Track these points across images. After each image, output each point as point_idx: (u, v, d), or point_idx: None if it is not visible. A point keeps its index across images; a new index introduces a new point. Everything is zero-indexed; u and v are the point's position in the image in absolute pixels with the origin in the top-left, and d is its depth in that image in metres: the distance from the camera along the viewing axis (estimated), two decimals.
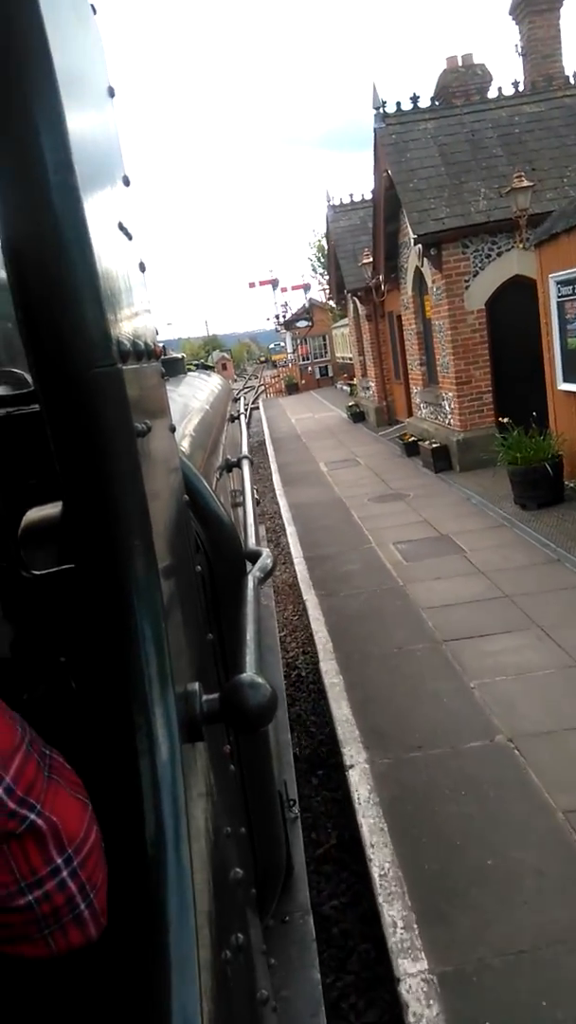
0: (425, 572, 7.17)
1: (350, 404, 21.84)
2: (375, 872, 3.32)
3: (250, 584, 1.66)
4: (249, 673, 1.08)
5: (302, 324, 43.51)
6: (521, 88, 12.49)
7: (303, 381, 40.49)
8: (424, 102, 12.56)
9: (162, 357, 1.36)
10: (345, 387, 31.11)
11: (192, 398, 3.28)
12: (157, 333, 1.23)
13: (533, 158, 11.24)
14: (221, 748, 1.35)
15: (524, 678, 4.80)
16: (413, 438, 13.61)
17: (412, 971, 2.75)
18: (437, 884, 3.20)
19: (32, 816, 0.69)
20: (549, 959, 2.72)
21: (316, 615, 6.49)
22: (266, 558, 1.88)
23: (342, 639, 5.92)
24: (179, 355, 4.80)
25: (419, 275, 12.97)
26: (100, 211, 0.79)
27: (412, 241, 11.16)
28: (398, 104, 12.36)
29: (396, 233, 14.00)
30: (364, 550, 8.22)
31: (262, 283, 51.97)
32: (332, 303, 34.87)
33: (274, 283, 50.90)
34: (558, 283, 8.54)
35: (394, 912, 3.08)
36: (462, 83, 13.07)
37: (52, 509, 1.04)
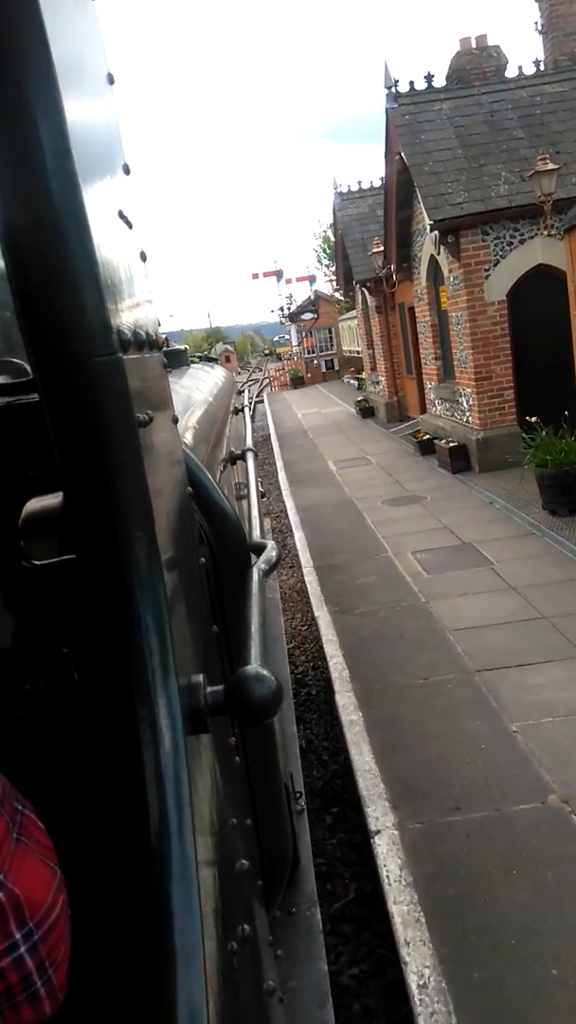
0: (449, 586, 6.57)
1: (358, 399, 21.20)
2: (412, 981, 2.73)
3: (255, 576, 1.64)
4: (254, 665, 1.08)
5: (307, 316, 42.84)
6: (542, 68, 11.81)
7: (308, 375, 39.83)
8: (438, 83, 11.89)
9: (165, 349, 1.34)
10: (352, 381, 30.48)
11: (195, 390, 3.20)
12: (159, 324, 1.16)
13: (557, 140, 10.57)
14: (226, 740, 1.33)
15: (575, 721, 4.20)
16: (428, 436, 12.99)
17: None
18: (491, 1003, 2.61)
19: None
20: None
21: (330, 635, 5.89)
22: (271, 550, 1.85)
23: (360, 665, 5.32)
24: (182, 347, 4.61)
25: (434, 264, 12.32)
26: (99, 199, 0.77)
27: (428, 228, 10.52)
28: (411, 83, 11.70)
29: (409, 220, 13.34)
30: (380, 559, 7.62)
31: (266, 274, 51.29)
32: (339, 295, 34.20)
33: (278, 274, 50.21)
34: None
35: None
36: (476, 66, 12.36)
37: (52, 499, 1.02)
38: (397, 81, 11.59)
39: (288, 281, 49.88)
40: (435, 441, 12.20)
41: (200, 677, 0.97)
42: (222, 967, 0.82)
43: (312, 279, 46.21)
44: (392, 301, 17.54)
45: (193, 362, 5.01)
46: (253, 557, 1.82)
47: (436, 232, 10.40)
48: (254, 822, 1.61)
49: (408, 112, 11.46)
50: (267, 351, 75.34)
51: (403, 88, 11.66)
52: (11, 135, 0.69)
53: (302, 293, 47.64)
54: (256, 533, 2.60)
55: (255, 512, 2.98)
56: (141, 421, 0.84)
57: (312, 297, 44.12)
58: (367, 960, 3.33)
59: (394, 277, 14.25)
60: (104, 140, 0.84)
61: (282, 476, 13.14)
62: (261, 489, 3.60)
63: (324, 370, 40.21)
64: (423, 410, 15.31)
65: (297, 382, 38.75)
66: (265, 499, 7.70)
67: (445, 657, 5.22)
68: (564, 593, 5.99)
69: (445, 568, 7.05)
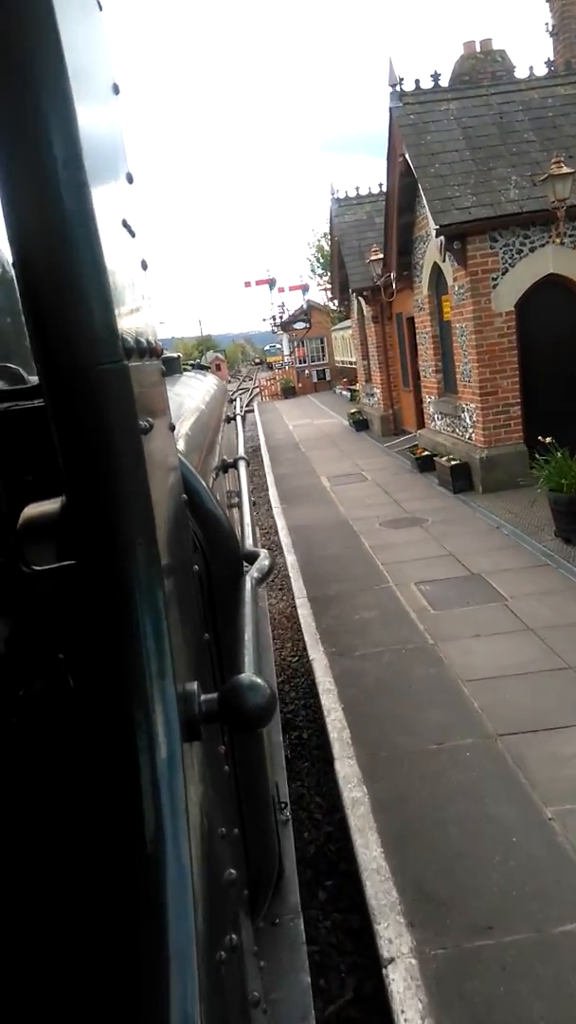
0: (459, 625, 5.89)
1: (352, 411, 20.57)
2: None
3: (248, 585, 1.63)
4: (248, 673, 1.08)
5: (300, 326, 42.29)
6: (553, 69, 11.26)
7: (300, 385, 39.24)
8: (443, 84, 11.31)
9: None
10: (345, 392, 29.89)
11: (188, 398, 3.17)
12: (157, 331, 1.13)
13: (569, 144, 9.99)
14: (216, 748, 1.32)
15: None
16: (426, 452, 12.35)
17: None
18: None
19: None
20: None
21: (327, 683, 5.20)
22: (264, 559, 1.85)
23: (362, 723, 4.62)
24: (175, 354, 4.59)
25: (437, 272, 11.71)
26: (107, 208, 0.77)
27: (433, 233, 9.90)
28: (417, 82, 11.11)
29: (411, 226, 12.74)
30: (380, 590, 6.94)
31: (258, 283, 50.69)
32: (333, 304, 33.66)
33: (271, 283, 49.63)
34: None
35: None
36: (480, 70, 11.84)
37: (51, 505, 1.01)
38: (402, 79, 11.00)
39: (281, 290, 49.27)
40: (435, 458, 11.56)
41: (194, 685, 0.97)
42: (210, 976, 0.81)
43: (305, 288, 45.66)
44: (390, 311, 16.94)
45: (186, 370, 4.94)
46: (246, 565, 1.80)
47: (442, 238, 9.79)
48: (241, 831, 1.58)
49: (413, 112, 10.87)
50: (257, 360, 74.80)
51: (408, 87, 11.06)
52: (25, 144, 0.70)
53: (294, 302, 47.13)
54: (249, 542, 2.67)
55: (247, 521, 3.05)
56: (143, 428, 0.84)
57: (305, 306, 43.57)
58: None
59: (394, 285, 13.63)
60: (110, 150, 0.85)
61: (273, 492, 12.46)
62: (252, 498, 3.69)
63: (315, 380, 39.65)
64: (421, 425, 14.68)
65: (288, 392, 38.14)
66: (255, 506, 7.00)
67: (460, 716, 4.53)
68: None
69: (453, 603, 6.38)
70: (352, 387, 27.73)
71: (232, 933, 1.06)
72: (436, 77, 11.07)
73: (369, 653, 5.60)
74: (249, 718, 0.96)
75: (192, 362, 6.78)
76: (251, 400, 35.73)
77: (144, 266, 1.01)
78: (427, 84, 11.12)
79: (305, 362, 41.30)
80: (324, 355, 40.96)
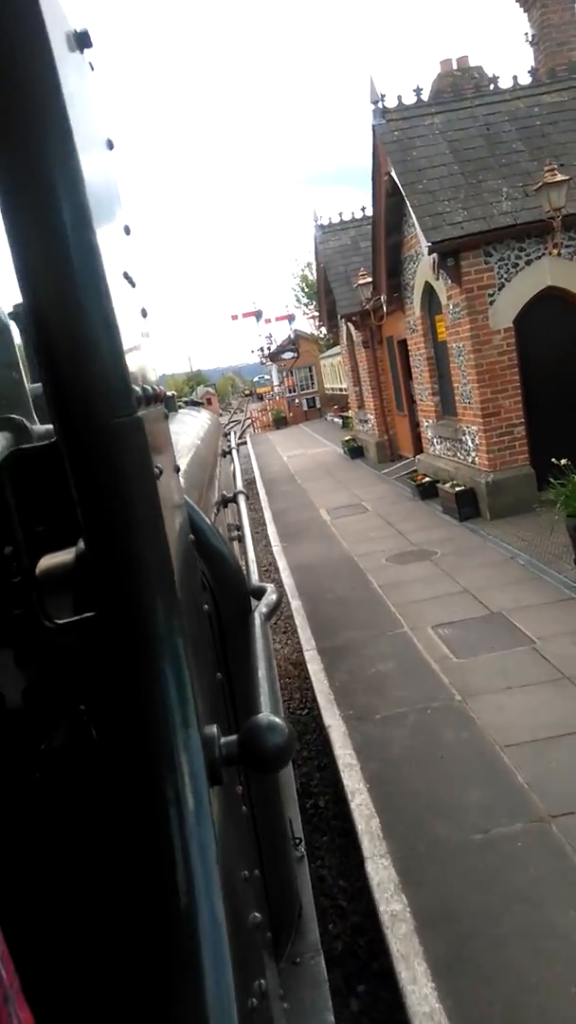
0: (486, 676, 5.28)
1: (346, 439, 20.08)
2: None
3: (257, 621, 1.63)
4: (266, 714, 1.07)
5: (288, 356, 42.10)
6: (536, 78, 10.93)
7: (291, 414, 38.87)
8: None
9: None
10: (336, 419, 29.48)
11: (185, 435, 3.15)
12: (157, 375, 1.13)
13: (560, 152, 9.59)
14: (235, 789, 1.28)
15: None
16: (428, 479, 11.81)
17: None
18: None
19: None
20: None
21: (347, 757, 4.56)
22: (271, 594, 1.82)
23: (393, 808, 3.99)
24: (170, 392, 4.65)
25: (429, 292, 11.27)
26: (112, 264, 0.79)
27: (425, 250, 9.44)
28: (399, 98, 10.75)
29: (399, 247, 12.33)
30: (395, 636, 6.33)
31: (245, 315, 50.63)
32: (321, 331, 33.41)
33: (257, 315, 49.57)
34: None
35: None
36: (459, 87, 11.52)
37: (65, 556, 1.00)
38: (383, 95, 10.64)
39: (267, 321, 49.15)
40: (438, 485, 11.01)
41: (214, 728, 0.96)
42: None
43: (291, 318, 45.58)
44: (380, 335, 16.53)
45: (180, 407, 4.90)
46: (253, 601, 1.78)
47: (434, 255, 9.33)
48: (261, 872, 1.53)
49: (397, 128, 10.49)
50: (247, 391, 74.72)
51: (389, 104, 10.70)
52: (36, 206, 0.71)
53: (281, 333, 47.00)
54: (254, 576, 2.67)
55: (251, 555, 3.10)
56: (156, 474, 0.85)
57: (292, 336, 43.46)
58: None
59: (384, 308, 13.19)
60: (110, 204, 0.85)
61: (271, 529, 11.87)
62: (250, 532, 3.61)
63: (306, 409, 39.31)
64: (418, 450, 14.17)
65: (280, 422, 37.75)
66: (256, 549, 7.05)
67: (504, 793, 3.90)
68: None
69: (476, 648, 5.77)
70: (344, 414, 27.32)
71: (260, 978, 1.05)
72: (418, 92, 10.72)
73: (391, 715, 4.97)
74: (270, 759, 0.96)
75: (186, 399, 6.73)
76: (243, 432, 35.28)
77: (144, 314, 1.01)
78: (409, 100, 10.76)
79: (295, 391, 41.02)
80: (313, 383, 40.71)
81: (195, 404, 6.54)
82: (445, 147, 10.19)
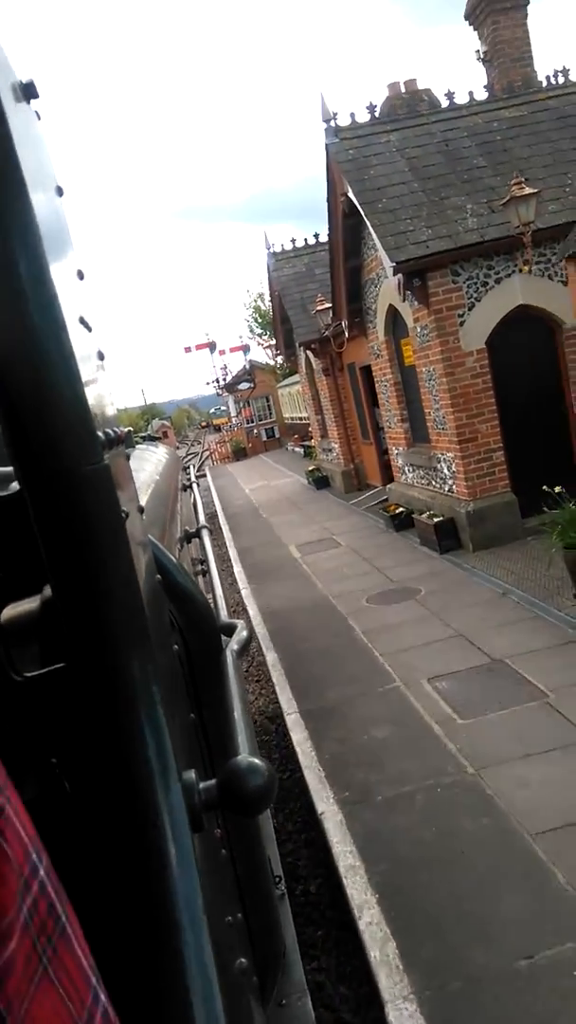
0: (499, 741, 4.62)
1: (310, 468, 19.52)
2: None
3: (229, 659, 1.61)
4: (244, 755, 1.04)
5: (244, 386, 41.67)
6: (491, 95, 10.64)
7: (250, 445, 38.32)
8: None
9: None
10: (297, 449, 28.98)
11: (144, 471, 3.02)
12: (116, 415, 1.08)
13: (524, 167, 9.22)
14: (214, 833, 1.25)
15: None
16: (402, 509, 11.24)
17: None
18: None
19: None
20: None
21: (349, 857, 3.84)
22: (241, 630, 1.81)
23: (412, 928, 3.28)
24: (127, 428, 3.31)
25: (393, 315, 10.79)
26: (69, 311, 0.78)
27: (389, 272, 8.94)
28: (352, 115, 10.35)
29: (358, 270, 11.88)
30: (387, 693, 5.65)
31: (198, 347, 50.13)
32: (277, 360, 33.04)
33: (211, 346, 49.12)
34: None
35: None
36: (411, 109, 11.20)
37: (29, 605, 0.93)
38: (335, 114, 10.22)
39: (222, 352, 48.69)
40: (413, 515, 10.43)
41: (192, 774, 0.92)
42: None
43: (246, 349, 45.23)
44: (340, 362, 16.06)
45: (137, 443, 4.74)
46: (223, 639, 1.73)
47: (399, 276, 8.84)
48: (244, 915, 1.49)
49: (352, 147, 10.06)
50: (204, 423, 74.14)
51: (342, 122, 10.28)
52: None
53: (237, 363, 46.66)
54: (223, 613, 2.86)
55: (218, 591, 3.27)
56: (123, 519, 0.84)
57: (247, 367, 43.10)
58: None
59: (345, 334, 12.70)
60: (64, 251, 0.83)
61: (238, 568, 11.15)
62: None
63: (265, 439, 38.83)
64: (388, 479, 13.64)
65: (240, 454, 37.15)
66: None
67: (545, 900, 3.22)
68: None
69: (482, 706, 5.11)
70: (304, 443, 26.83)
71: None
72: (372, 108, 10.33)
73: (395, 797, 4.27)
74: (252, 802, 0.94)
75: (143, 435, 6.54)
76: (202, 464, 34.58)
77: (101, 356, 1.00)
78: (362, 118, 10.36)
79: (253, 421, 40.54)
80: (271, 413, 40.29)
81: (152, 439, 6.28)
82: (403, 164, 9.78)
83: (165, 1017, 0.75)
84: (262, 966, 1.65)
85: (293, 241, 18.36)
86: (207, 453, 41.36)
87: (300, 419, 30.72)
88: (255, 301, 45.07)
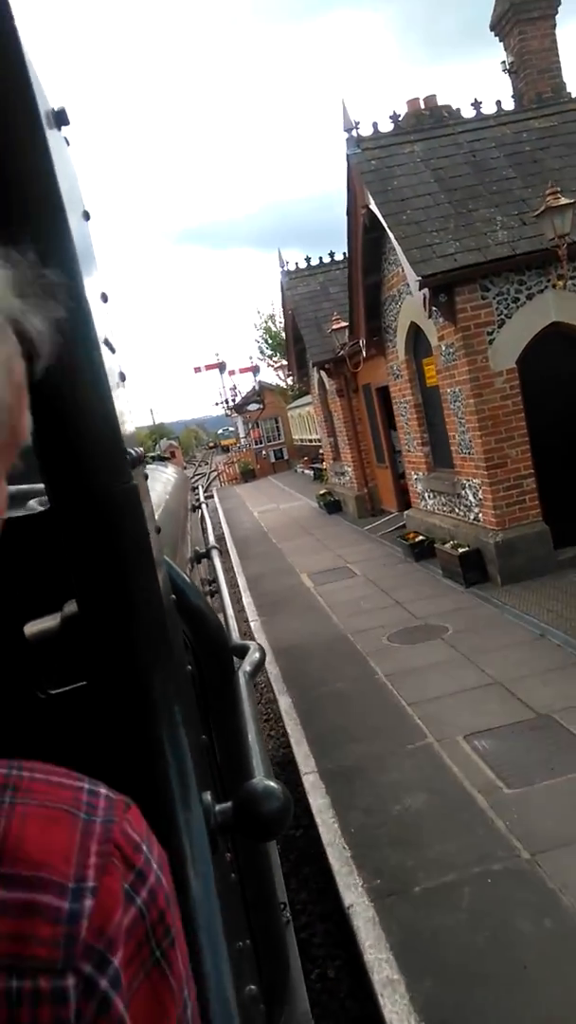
0: (556, 817, 3.97)
1: (321, 492, 18.93)
2: None
3: (242, 681, 1.61)
4: (259, 778, 1.04)
5: (253, 407, 41.32)
6: (519, 106, 10.18)
7: (258, 466, 37.83)
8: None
9: None
10: (307, 471, 28.44)
11: (155, 491, 2.76)
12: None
13: (556, 178, 8.68)
14: (225, 857, 1.23)
15: None
16: (421, 537, 10.62)
17: None
18: None
19: None
20: None
21: (386, 969, 3.17)
22: (254, 651, 1.79)
23: None
24: (142, 449, 3.03)
25: (415, 333, 10.27)
26: (100, 333, 0.80)
27: (415, 286, 8.41)
28: (375, 125, 9.89)
29: (378, 287, 11.38)
30: (418, 752, 5.00)
31: (208, 367, 49.99)
32: (287, 382, 32.66)
33: (221, 367, 48.96)
34: None
35: None
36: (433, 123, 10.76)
37: (50, 622, 0.92)
38: (358, 123, 9.76)
39: (231, 373, 48.50)
40: (436, 545, 9.81)
41: (208, 796, 0.92)
42: None
43: (256, 370, 44.98)
44: (355, 382, 15.53)
45: (147, 462, 3.62)
46: (236, 660, 1.73)
47: (425, 291, 8.30)
48: (252, 941, 1.47)
49: (374, 157, 9.59)
50: (212, 444, 73.82)
51: (365, 132, 9.83)
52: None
53: (246, 384, 46.32)
54: (234, 634, 2.86)
55: (229, 612, 3.38)
56: (151, 539, 0.84)
57: (257, 387, 42.79)
58: None
59: (363, 353, 12.17)
60: (93, 275, 0.83)
61: (247, 599, 10.52)
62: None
63: (274, 460, 38.35)
64: (404, 504, 13.06)
65: (248, 475, 36.65)
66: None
67: None
68: None
69: (531, 772, 4.47)
70: (315, 465, 26.29)
71: None
72: (395, 118, 9.87)
73: (437, 888, 3.62)
74: (267, 825, 0.94)
75: (153, 454, 6.30)
76: (209, 485, 34.06)
77: (123, 378, 0.98)
78: (384, 128, 9.91)
79: (261, 443, 40.10)
80: (280, 434, 39.85)
81: (162, 459, 6.21)
82: (429, 175, 9.30)
83: None
84: (268, 994, 1.61)
85: (308, 260, 17.93)
86: (215, 474, 40.88)
87: (310, 441, 30.22)
88: (266, 322, 44.88)
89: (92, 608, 0.78)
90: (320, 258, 17.86)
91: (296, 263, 17.94)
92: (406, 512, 12.33)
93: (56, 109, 0.76)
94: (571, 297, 8.39)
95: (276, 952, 1.77)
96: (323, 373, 16.56)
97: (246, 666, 1.69)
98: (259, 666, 1.81)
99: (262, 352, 45.00)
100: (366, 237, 10.55)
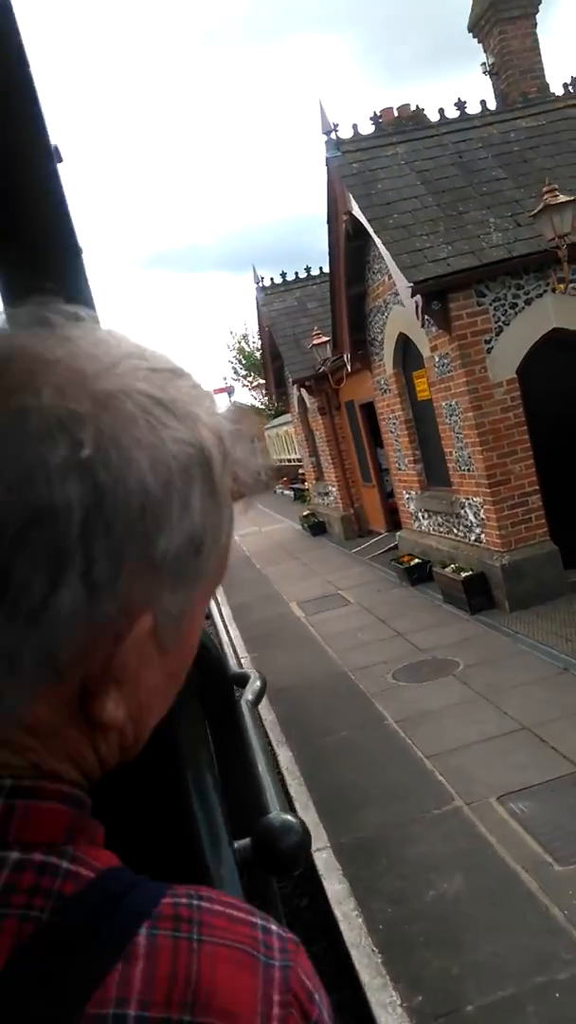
0: None
1: (305, 513, 18.30)
2: None
3: (245, 710, 1.53)
4: (277, 813, 1.03)
5: None
6: (499, 108, 9.75)
7: None
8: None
9: None
10: (287, 492, 27.84)
11: None
12: None
13: (548, 178, 8.20)
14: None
15: None
16: (417, 560, 10.01)
17: None
18: None
19: None
20: None
21: None
22: (255, 680, 1.71)
23: None
24: None
25: (403, 345, 9.72)
26: None
27: (406, 293, 7.86)
28: (355, 127, 9.39)
29: (362, 298, 10.83)
30: (446, 818, 4.33)
31: None
32: (261, 403, 32.16)
33: None
34: None
35: None
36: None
37: None
38: (337, 125, 9.25)
39: None
40: (435, 569, 9.19)
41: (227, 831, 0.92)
42: None
43: (231, 391, 44.43)
44: (337, 399, 14.98)
45: None
46: (236, 689, 1.67)
47: (417, 298, 7.74)
48: None
49: (356, 160, 9.08)
50: None
51: (344, 133, 9.32)
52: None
53: (221, 405, 45.76)
54: (232, 661, 3.00)
55: (224, 639, 3.58)
56: None
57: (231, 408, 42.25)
58: None
59: (348, 367, 11.60)
60: (91, 306, 0.85)
61: (235, 632, 9.81)
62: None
63: None
64: (392, 524, 12.49)
65: None
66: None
67: None
68: None
69: None
70: (295, 486, 25.70)
71: None
72: (376, 119, 9.37)
73: (491, 1006, 2.92)
74: (286, 861, 0.93)
75: None
76: None
77: None
78: (365, 127, 9.41)
79: None
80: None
81: None
82: (414, 178, 8.79)
83: None
84: None
85: (283, 275, 17.42)
86: None
87: (289, 461, 29.65)
88: (239, 342, 44.51)
89: None
90: (296, 273, 17.35)
91: (272, 278, 17.40)
92: (398, 533, 11.72)
93: (55, 145, 0.81)
94: (572, 301, 7.88)
95: None
96: (303, 391, 16.00)
97: (248, 695, 1.61)
98: (261, 694, 1.73)
99: (236, 372, 44.57)
100: (348, 245, 10.02)
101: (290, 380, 16.13)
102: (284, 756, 5.66)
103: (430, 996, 3.08)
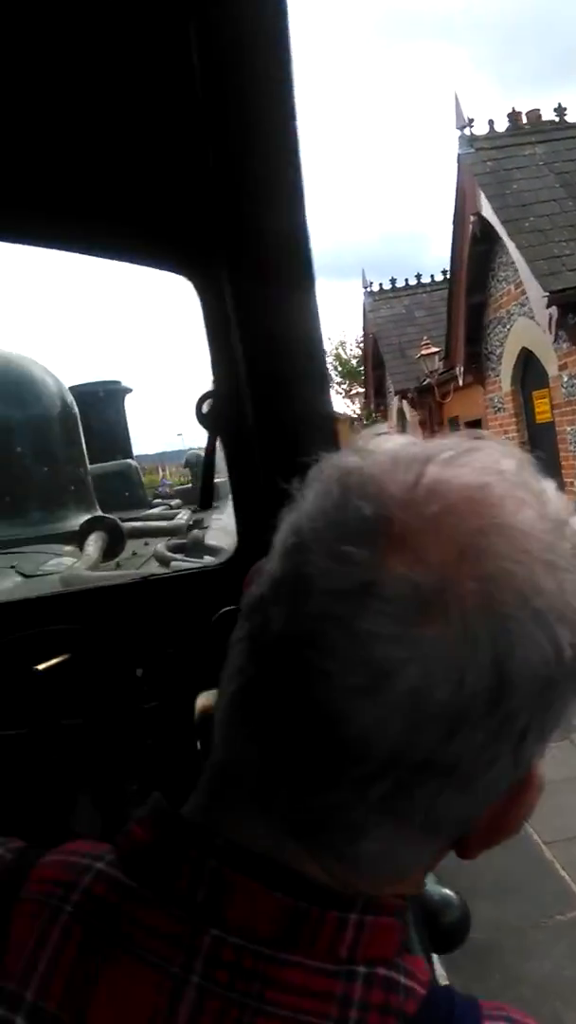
0: None
1: None
2: None
3: None
4: (433, 885, 1.01)
5: None
6: None
7: None
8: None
9: None
10: None
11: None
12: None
13: None
14: None
15: None
16: None
17: None
18: None
19: None
20: None
21: None
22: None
23: None
24: None
25: (525, 361, 8.95)
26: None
27: (540, 304, 7.13)
28: (491, 122, 8.70)
29: (482, 308, 10.09)
30: (573, 927, 3.61)
31: None
32: (355, 411, 31.56)
33: None
34: None
35: None
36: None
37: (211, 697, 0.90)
38: (472, 120, 8.57)
39: None
40: None
41: None
42: None
43: None
44: (440, 415, 14.21)
45: None
46: None
47: (552, 309, 7.00)
48: None
49: (490, 158, 8.39)
50: None
51: (480, 129, 8.64)
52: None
53: None
54: None
55: None
56: None
57: None
58: None
59: (458, 380, 10.88)
60: None
61: None
62: None
63: None
64: None
65: None
66: None
67: None
68: None
69: None
70: None
71: None
72: (514, 116, 8.65)
73: None
74: (450, 939, 0.94)
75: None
76: None
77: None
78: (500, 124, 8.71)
79: None
80: None
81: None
82: (553, 180, 8.06)
83: None
84: None
85: (393, 281, 16.77)
86: None
87: None
88: (336, 349, 43.96)
89: None
90: (406, 280, 16.67)
91: (380, 284, 16.79)
92: None
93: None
94: None
95: None
96: (405, 402, 15.31)
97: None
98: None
99: (331, 379, 44.10)
100: (473, 250, 9.31)
101: (391, 390, 15.49)
102: None
103: None
